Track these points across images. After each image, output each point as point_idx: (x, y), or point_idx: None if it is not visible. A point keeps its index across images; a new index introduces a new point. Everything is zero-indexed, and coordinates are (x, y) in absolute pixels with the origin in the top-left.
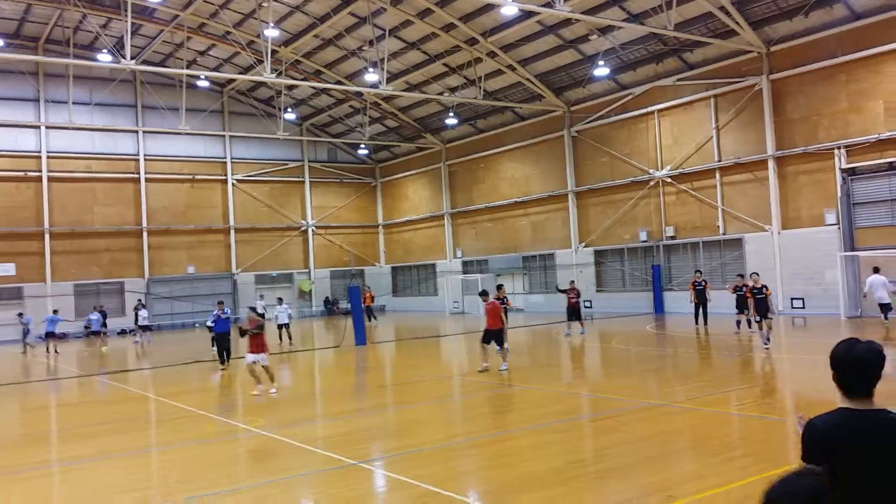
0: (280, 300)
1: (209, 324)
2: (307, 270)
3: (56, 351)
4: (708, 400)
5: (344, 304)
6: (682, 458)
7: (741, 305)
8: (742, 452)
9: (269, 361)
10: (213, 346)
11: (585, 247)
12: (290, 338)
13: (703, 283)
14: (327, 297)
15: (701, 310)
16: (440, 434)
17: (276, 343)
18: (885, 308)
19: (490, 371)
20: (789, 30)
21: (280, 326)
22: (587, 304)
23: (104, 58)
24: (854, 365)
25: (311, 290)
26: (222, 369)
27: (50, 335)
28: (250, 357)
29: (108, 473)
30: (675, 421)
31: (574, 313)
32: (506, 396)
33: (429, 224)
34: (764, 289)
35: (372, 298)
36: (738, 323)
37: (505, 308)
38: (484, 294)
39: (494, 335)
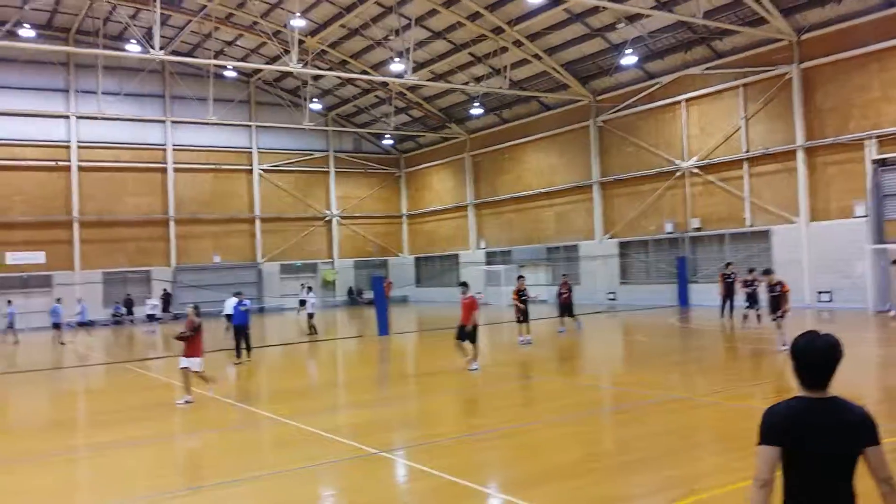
0: (309, 289)
1: (225, 314)
2: (331, 260)
3: (61, 342)
4: (732, 394)
5: (368, 294)
6: (706, 452)
7: (751, 300)
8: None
9: (204, 367)
10: (231, 336)
11: (610, 238)
12: (313, 329)
13: (733, 276)
14: (350, 287)
15: (728, 302)
16: (461, 425)
17: (307, 334)
18: None
19: (499, 362)
20: (821, 17)
21: (309, 315)
22: (611, 295)
23: (133, 48)
24: (813, 358)
25: (334, 280)
26: (237, 363)
27: (55, 326)
28: (183, 361)
29: (130, 459)
30: (698, 414)
31: (566, 309)
32: (528, 388)
33: (452, 215)
34: (779, 287)
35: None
36: (745, 317)
37: (525, 299)
38: (463, 286)
39: (468, 331)
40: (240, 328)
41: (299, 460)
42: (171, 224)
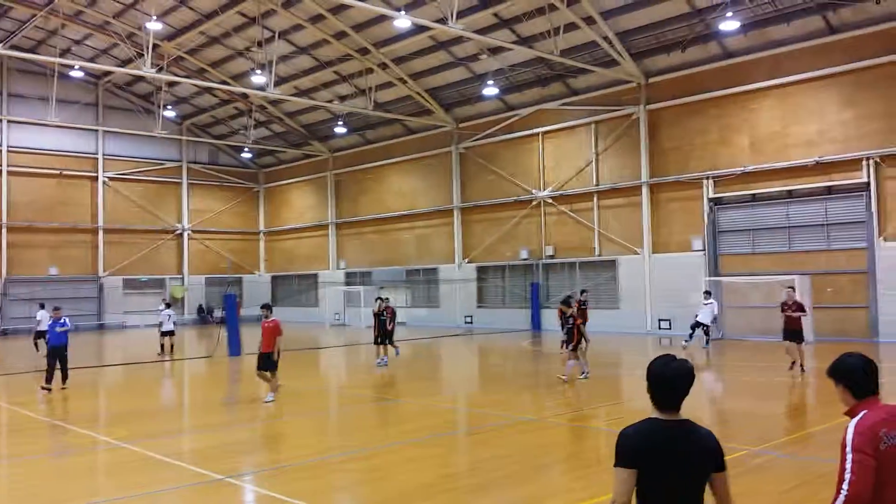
0: (168, 304)
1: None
2: (181, 276)
3: None
4: (576, 415)
5: (219, 313)
6: (552, 472)
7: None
8: (608, 466)
9: None
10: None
11: (469, 262)
12: (171, 347)
13: (586, 304)
14: (200, 305)
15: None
16: (314, 448)
17: (157, 353)
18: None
19: (354, 384)
20: (667, 63)
21: (164, 334)
22: (468, 319)
23: None
24: (667, 381)
25: (183, 297)
26: (46, 388)
27: None
28: None
29: None
30: (546, 435)
31: (386, 336)
32: (382, 410)
33: (312, 233)
34: (571, 319)
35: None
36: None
37: (383, 320)
38: (266, 308)
39: (269, 360)
40: (56, 350)
41: (137, 486)
42: (3, 231)
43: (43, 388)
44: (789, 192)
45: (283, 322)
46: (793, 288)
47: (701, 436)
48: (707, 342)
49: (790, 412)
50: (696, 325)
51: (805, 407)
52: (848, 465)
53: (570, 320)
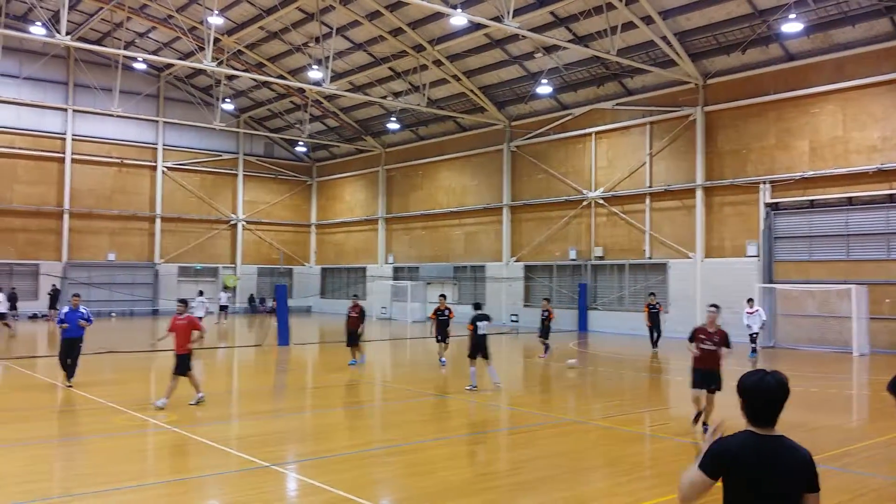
0: (200, 293)
1: (60, 322)
2: (233, 266)
3: None
4: (623, 419)
5: (270, 303)
6: (595, 476)
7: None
8: (651, 472)
9: None
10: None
11: (517, 261)
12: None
13: (658, 306)
14: (252, 295)
15: (655, 333)
16: (357, 440)
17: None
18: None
19: (405, 379)
20: (726, 64)
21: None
22: (514, 318)
23: (37, 31)
24: (763, 396)
25: (235, 286)
26: (69, 385)
27: None
28: None
29: (4, 463)
30: (589, 438)
31: (353, 337)
32: (425, 405)
33: (362, 227)
34: (546, 312)
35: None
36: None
37: (447, 319)
38: (182, 303)
39: (185, 362)
40: (71, 343)
41: (185, 470)
42: (66, 217)
43: (67, 385)
44: (849, 199)
45: (333, 313)
46: (716, 307)
47: (798, 453)
48: (754, 351)
49: (844, 424)
50: (753, 335)
51: (859, 420)
52: None
53: (546, 313)
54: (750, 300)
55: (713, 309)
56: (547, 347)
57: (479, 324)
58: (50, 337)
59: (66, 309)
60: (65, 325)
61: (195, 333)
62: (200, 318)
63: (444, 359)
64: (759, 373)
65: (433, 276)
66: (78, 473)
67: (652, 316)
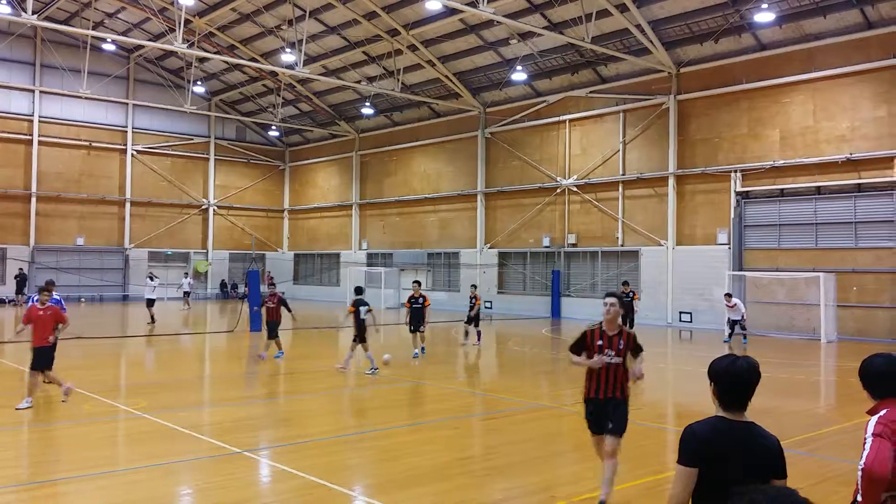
0: (150, 276)
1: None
2: (205, 251)
3: None
4: None
5: (243, 288)
6: (566, 460)
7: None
8: (622, 457)
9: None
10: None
11: (490, 248)
12: (152, 318)
13: (632, 294)
14: (223, 280)
15: (626, 322)
16: (329, 426)
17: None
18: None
19: (379, 365)
20: (699, 53)
21: (150, 302)
22: (488, 304)
23: (3, 9)
24: (734, 379)
25: (207, 272)
26: (47, 382)
27: None
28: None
29: None
30: (561, 423)
31: (271, 328)
32: (398, 391)
33: (336, 213)
34: (422, 299)
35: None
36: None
37: (422, 308)
38: (45, 290)
39: (45, 356)
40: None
41: (156, 456)
42: (33, 200)
43: (45, 382)
44: (818, 188)
45: (306, 299)
46: (614, 296)
47: (767, 441)
48: (729, 336)
49: (811, 410)
50: (734, 322)
51: (827, 405)
52: (867, 445)
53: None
54: (728, 294)
55: (611, 300)
56: (470, 334)
57: (360, 308)
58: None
59: (35, 296)
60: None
61: (59, 326)
62: (152, 301)
63: (417, 351)
64: (730, 357)
65: (407, 262)
66: (48, 460)
67: (624, 305)
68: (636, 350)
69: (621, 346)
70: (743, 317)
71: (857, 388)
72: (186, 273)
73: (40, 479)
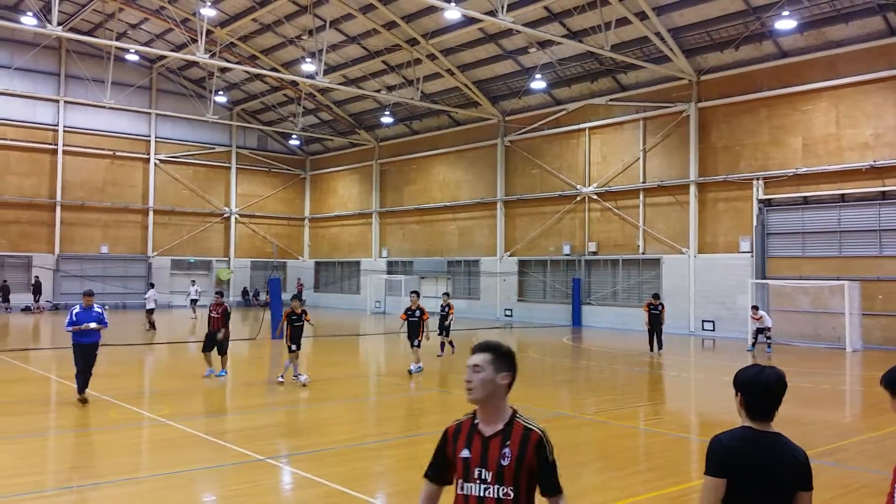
0: (151, 285)
1: (69, 328)
2: (227, 259)
3: None
4: (616, 413)
5: (264, 296)
6: (589, 470)
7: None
8: (646, 467)
9: None
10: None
11: (510, 256)
12: (151, 324)
13: (660, 307)
14: (245, 288)
15: (655, 335)
16: (351, 433)
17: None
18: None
19: (399, 373)
20: (719, 61)
21: (149, 311)
22: (508, 312)
23: (29, 21)
24: (762, 390)
25: (229, 280)
26: (82, 400)
27: None
28: None
29: None
30: (583, 432)
31: (216, 344)
32: (421, 399)
33: (356, 221)
34: (419, 311)
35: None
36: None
37: (418, 321)
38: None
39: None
40: (85, 349)
41: (180, 463)
42: (58, 209)
43: (80, 399)
44: (842, 195)
45: (327, 307)
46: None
47: (794, 451)
48: (753, 346)
49: (837, 420)
50: (758, 331)
51: (852, 415)
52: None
53: (418, 313)
54: (755, 307)
55: (476, 359)
56: (444, 345)
57: (292, 318)
58: (35, 329)
59: (77, 308)
60: (79, 327)
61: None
62: (151, 310)
63: (413, 366)
64: (756, 367)
65: (427, 270)
66: (72, 466)
67: (652, 317)
68: (547, 483)
69: (507, 462)
70: (768, 328)
71: (883, 397)
72: (193, 281)
73: (64, 486)
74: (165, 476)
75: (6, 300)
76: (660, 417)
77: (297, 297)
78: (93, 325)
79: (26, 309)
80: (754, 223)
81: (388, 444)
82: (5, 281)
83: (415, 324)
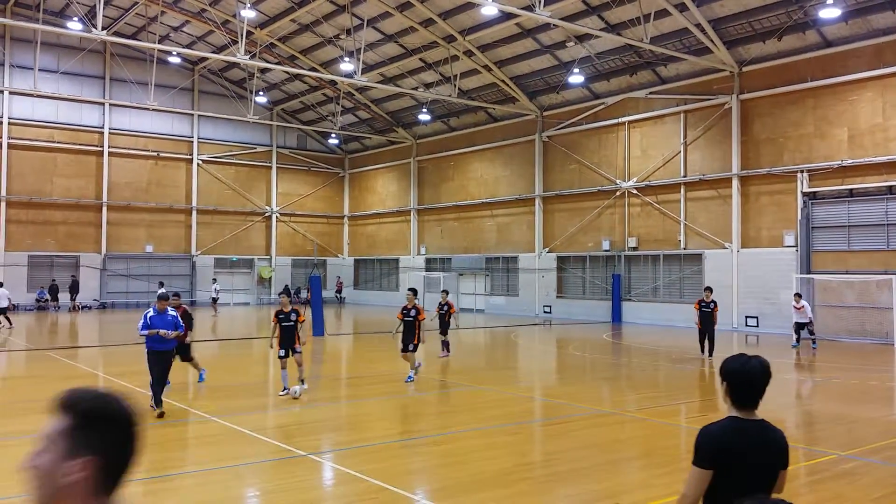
0: (161, 284)
1: (143, 332)
2: (268, 257)
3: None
4: (658, 411)
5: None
6: (630, 467)
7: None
8: (687, 465)
9: None
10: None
11: (549, 252)
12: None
13: (713, 305)
14: (286, 286)
15: (707, 337)
16: (392, 430)
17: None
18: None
19: (439, 370)
20: (762, 52)
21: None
22: (546, 308)
23: (74, 26)
24: (746, 379)
25: (270, 278)
26: (159, 413)
27: None
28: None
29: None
30: (624, 429)
31: (182, 350)
32: (460, 396)
33: (395, 219)
34: (447, 306)
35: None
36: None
37: (414, 321)
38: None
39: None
40: (161, 356)
41: (223, 458)
42: (104, 209)
43: (159, 413)
44: (889, 187)
45: (366, 304)
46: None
47: (776, 436)
48: (797, 342)
49: (885, 417)
50: (800, 326)
51: None
52: None
53: (446, 307)
54: (797, 295)
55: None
56: (445, 345)
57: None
58: (71, 328)
59: (151, 312)
60: (153, 331)
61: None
62: (215, 300)
63: (411, 373)
64: (743, 357)
65: (465, 267)
66: None
67: (704, 316)
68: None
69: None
70: (810, 321)
71: None
72: (215, 279)
73: None
74: (211, 471)
75: (55, 299)
76: (703, 415)
77: (286, 292)
78: (171, 333)
79: (73, 308)
80: (798, 217)
81: (427, 440)
82: (54, 280)
83: (410, 324)
